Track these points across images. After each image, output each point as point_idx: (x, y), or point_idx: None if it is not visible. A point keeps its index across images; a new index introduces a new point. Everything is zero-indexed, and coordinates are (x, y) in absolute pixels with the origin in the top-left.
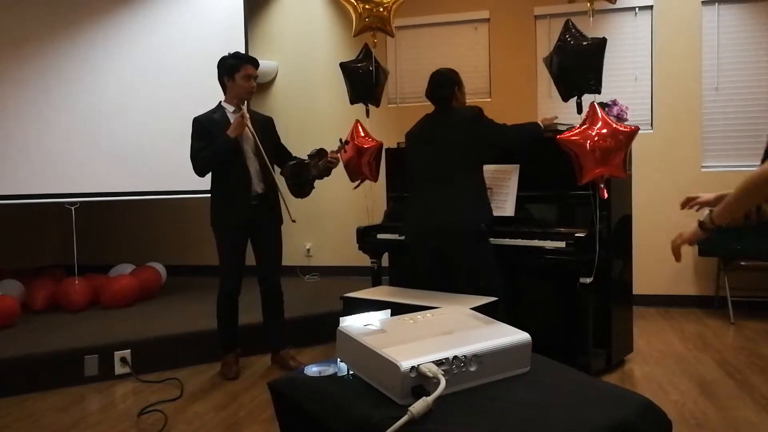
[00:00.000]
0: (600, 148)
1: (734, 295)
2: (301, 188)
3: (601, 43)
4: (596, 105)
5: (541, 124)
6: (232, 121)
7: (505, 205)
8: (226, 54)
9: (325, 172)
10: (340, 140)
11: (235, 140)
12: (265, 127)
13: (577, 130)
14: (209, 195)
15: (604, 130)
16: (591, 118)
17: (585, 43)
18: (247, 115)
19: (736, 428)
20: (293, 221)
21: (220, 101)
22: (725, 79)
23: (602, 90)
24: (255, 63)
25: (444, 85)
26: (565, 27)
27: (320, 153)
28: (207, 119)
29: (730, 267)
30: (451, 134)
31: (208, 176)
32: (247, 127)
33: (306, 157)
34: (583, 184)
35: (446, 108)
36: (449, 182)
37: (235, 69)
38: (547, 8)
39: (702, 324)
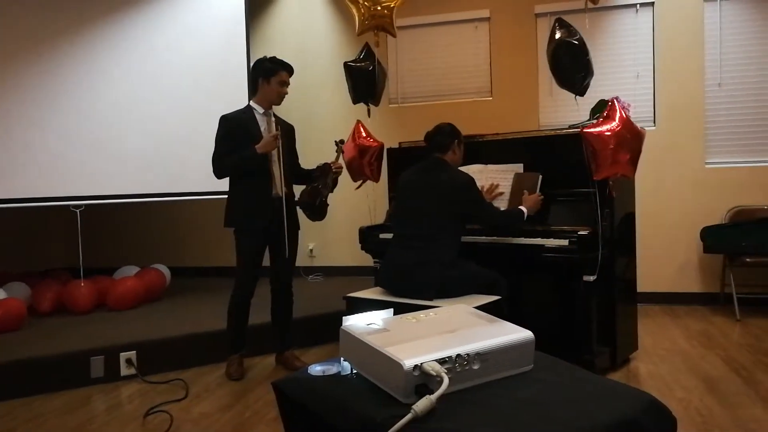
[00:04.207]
0: (619, 145)
1: (740, 291)
2: (318, 213)
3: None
4: (615, 101)
5: (525, 211)
6: (260, 122)
7: (506, 204)
8: (264, 56)
9: (334, 185)
10: (335, 142)
11: (262, 155)
12: (289, 134)
13: (600, 125)
14: (212, 197)
15: (624, 127)
16: (610, 115)
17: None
18: (279, 134)
19: (742, 425)
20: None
21: (249, 102)
22: (728, 74)
23: (604, 87)
24: (291, 70)
25: (445, 133)
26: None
27: (324, 170)
28: (235, 119)
29: (735, 263)
30: (437, 195)
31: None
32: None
33: (312, 175)
34: (599, 180)
35: (439, 163)
36: (424, 239)
37: (272, 73)
38: (548, 6)
39: (707, 321)
